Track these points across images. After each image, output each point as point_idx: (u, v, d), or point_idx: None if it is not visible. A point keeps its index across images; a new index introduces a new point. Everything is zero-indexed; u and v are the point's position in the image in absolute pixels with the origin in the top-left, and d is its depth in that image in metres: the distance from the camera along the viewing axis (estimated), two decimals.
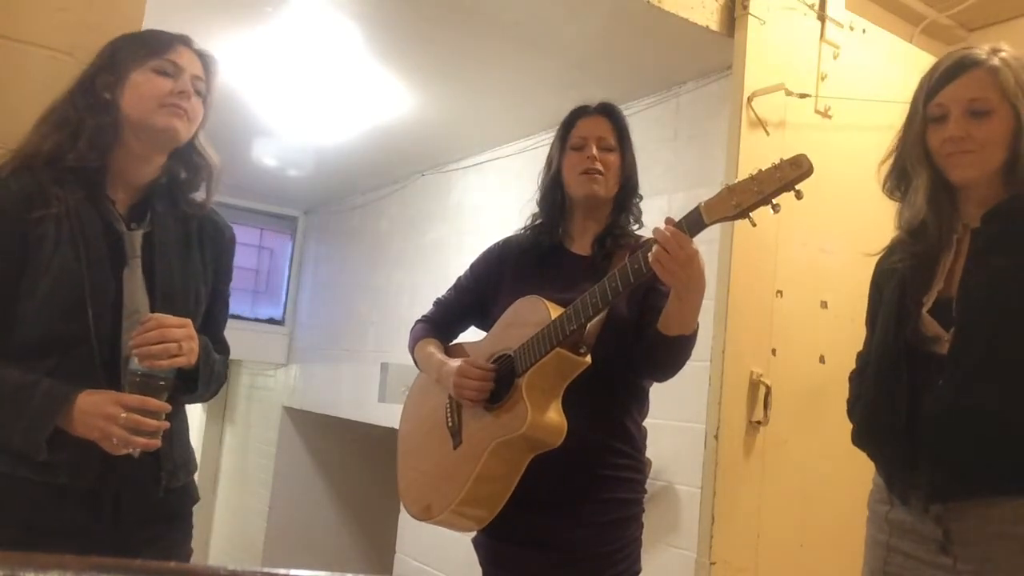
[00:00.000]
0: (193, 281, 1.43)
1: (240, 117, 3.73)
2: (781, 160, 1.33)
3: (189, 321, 1.31)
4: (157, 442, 1.26)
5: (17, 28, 1.56)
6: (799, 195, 1.33)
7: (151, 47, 1.38)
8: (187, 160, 1.46)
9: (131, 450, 1.24)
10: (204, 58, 1.45)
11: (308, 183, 5.13)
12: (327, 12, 2.70)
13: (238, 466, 6.41)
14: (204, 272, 1.46)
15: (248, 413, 6.40)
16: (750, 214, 1.37)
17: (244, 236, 5.96)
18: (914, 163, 1.42)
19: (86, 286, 1.28)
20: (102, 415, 1.21)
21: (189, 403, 1.47)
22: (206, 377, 1.39)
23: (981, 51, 1.37)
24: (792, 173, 1.31)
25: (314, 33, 2.86)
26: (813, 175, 1.32)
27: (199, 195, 1.49)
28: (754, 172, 1.35)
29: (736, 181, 1.38)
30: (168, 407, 1.27)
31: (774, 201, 1.34)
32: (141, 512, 1.35)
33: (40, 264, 1.27)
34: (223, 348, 1.52)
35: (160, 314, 1.29)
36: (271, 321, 5.97)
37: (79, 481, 1.27)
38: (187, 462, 1.45)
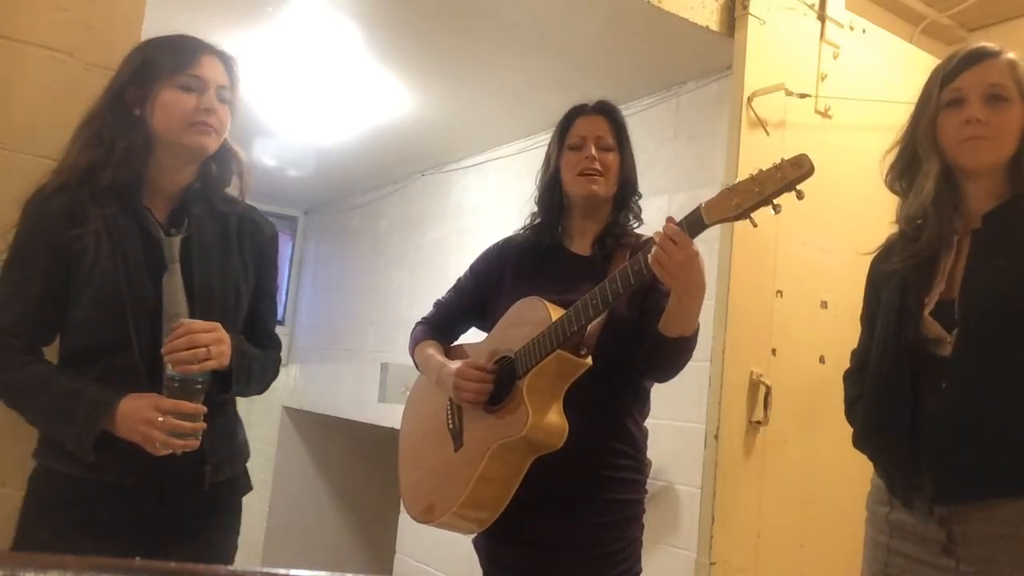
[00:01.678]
0: (233, 281, 1.48)
1: (240, 117, 3.72)
2: (782, 160, 1.31)
3: (218, 325, 1.36)
4: (196, 443, 1.33)
5: (17, 28, 1.56)
6: (800, 195, 1.32)
7: (177, 60, 1.41)
8: (217, 159, 1.51)
9: (173, 450, 1.31)
10: (227, 62, 1.48)
11: (308, 183, 5.13)
12: (327, 12, 2.70)
13: None
14: (244, 270, 1.51)
15: (248, 413, 6.33)
16: (751, 215, 1.36)
17: None
18: (926, 149, 1.41)
19: (125, 294, 1.35)
20: (142, 419, 1.29)
21: (239, 396, 1.53)
22: (242, 376, 1.43)
23: (995, 45, 1.38)
24: (793, 173, 1.30)
25: (314, 33, 2.86)
26: (813, 175, 1.31)
27: (233, 191, 1.54)
28: (755, 172, 1.34)
29: (736, 181, 1.37)
30: (203, 409, 1.33)
31: (775, 201, 1.33)
32: (187, 506, 1.41)
33: (82, 275, 1.35)
34: (274, 343, 1.60)
35: (189, 320, 1.35)
36: None
37: (126, 479, 1.35)
38: (233, 456, 1.50)
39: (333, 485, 5.87)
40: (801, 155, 1.30)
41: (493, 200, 3.94)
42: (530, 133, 3.64)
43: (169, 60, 1.41)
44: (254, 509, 5.88)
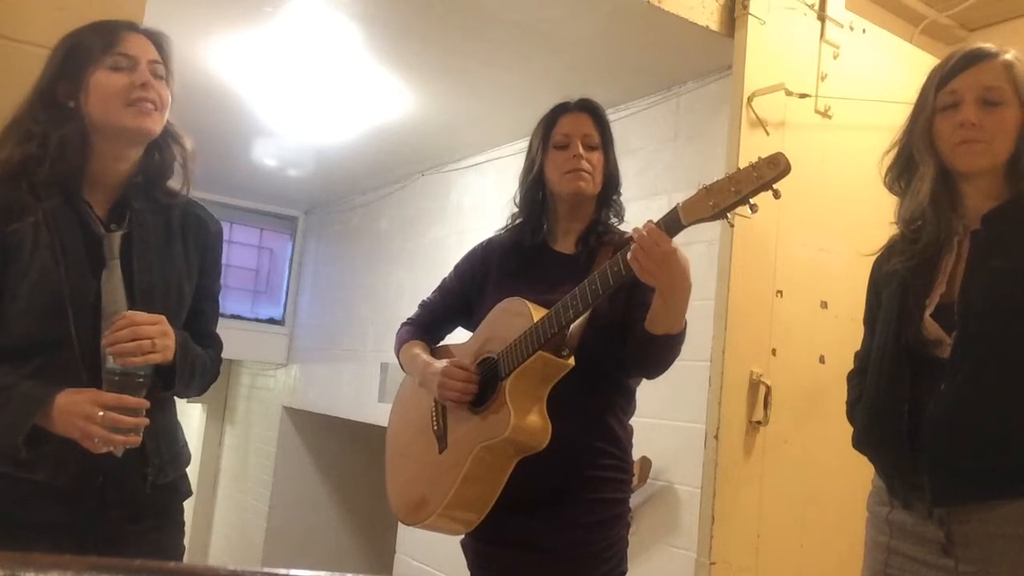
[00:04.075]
0: (175, 278, 1.42)
1: (240, 117, 3.73)
2: (759, 159, 1.30)
3: (162, 318, 1.30)
4: (137, 439, 1.26)
5: (17, 28, 1.56)
6: (776, 194, 1.30)
7: (101, 42, 1.36)
8: (160, 147, 1.43)
9: (112, 448, 1.24)
10: (155, 38, 1.41)
11: (308, 183, 5.13)
12: (327, 12, 2.70)
13: (238, 466, 6.41)
14: (188, 267, 1.45)
15: (248, 413, 6.40)
16: (728, 215, 1.35)
17: (244, 236, 5.96)
18: (922, 151, 1.41)
19: (65, 289, 1.29)
20: (81, 415, 1.22)
21: (179, 397, 1.46)
22: (185, 372, 1.37)
23: (993, 46, 1.38)
24: (770, 172, 1.28)
25: (314, 33, 2.86)
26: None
27: (176, 183, 1.45)
28: (731, 172, 1.33)
29: (713, 181, 1.35)
30: (146, 403, 1.27)
31: (752, 201, 1.31)
32: (128, 508, 1.35)
33: (19, 270, 1.28)
34: (214, 343, 1.51)
35: (132, 312, 1.29)
36: (271, 321, 5.96)
37: (59, 478, 1.28)
38: (176, 458, 1.44)
39: (333, 485, 5.87)
40: (777, 154, 1.29)
41: (493, 200, 3.94)
42: (530, 133, 3.64)
43: (94, 44, 1.35)
44: (254, 509, 5.89)
